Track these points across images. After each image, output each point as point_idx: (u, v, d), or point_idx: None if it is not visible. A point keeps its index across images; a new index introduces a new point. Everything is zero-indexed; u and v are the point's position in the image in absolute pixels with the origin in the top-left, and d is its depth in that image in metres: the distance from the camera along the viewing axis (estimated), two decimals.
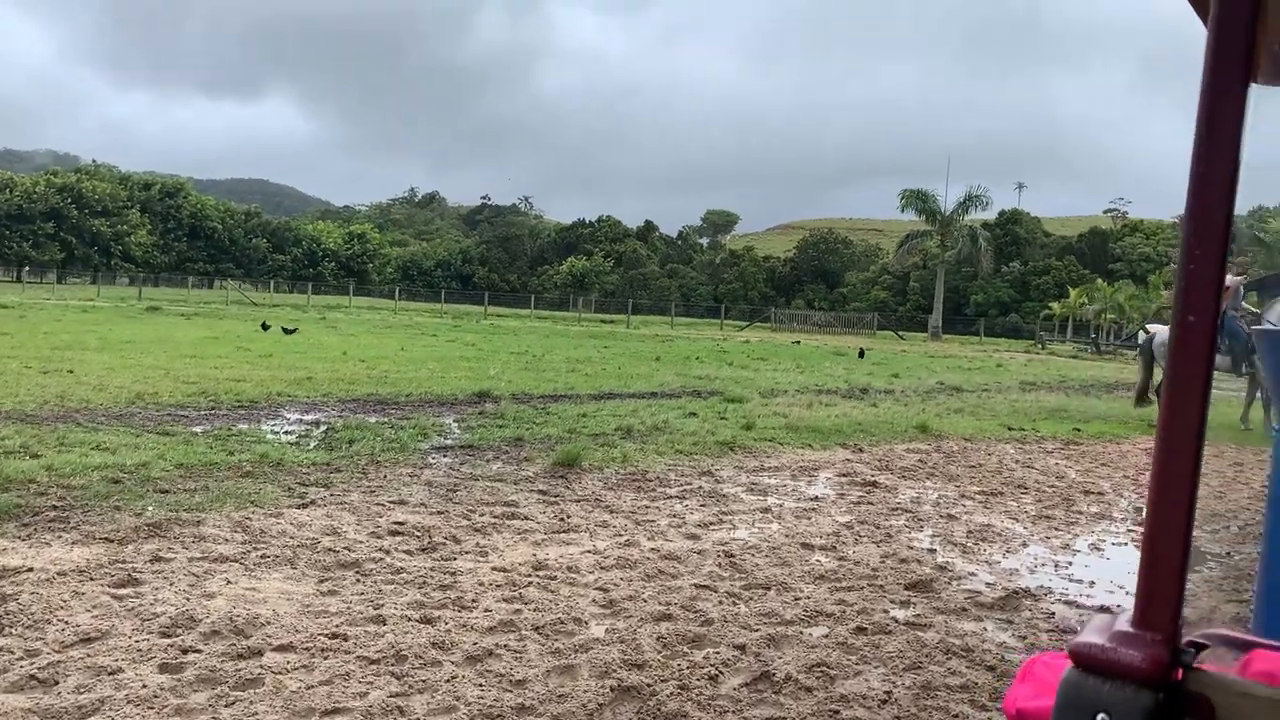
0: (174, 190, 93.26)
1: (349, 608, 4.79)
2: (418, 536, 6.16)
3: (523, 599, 5.10)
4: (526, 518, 6.87)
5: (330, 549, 5.76)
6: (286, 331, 27.31)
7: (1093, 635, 1.00)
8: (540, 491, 7.76)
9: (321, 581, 5.20)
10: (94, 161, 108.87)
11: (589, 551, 6.14)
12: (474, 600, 5.02)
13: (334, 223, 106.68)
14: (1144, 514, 0.99)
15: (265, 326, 28.69)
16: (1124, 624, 0.99)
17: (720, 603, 5.31)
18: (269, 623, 4.52)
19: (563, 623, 4.76)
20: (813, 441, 11.29)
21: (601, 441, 10.15)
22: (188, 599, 4.77)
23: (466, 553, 5.93)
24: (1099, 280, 68.47)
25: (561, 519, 6.90)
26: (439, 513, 6.82)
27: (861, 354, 32.36)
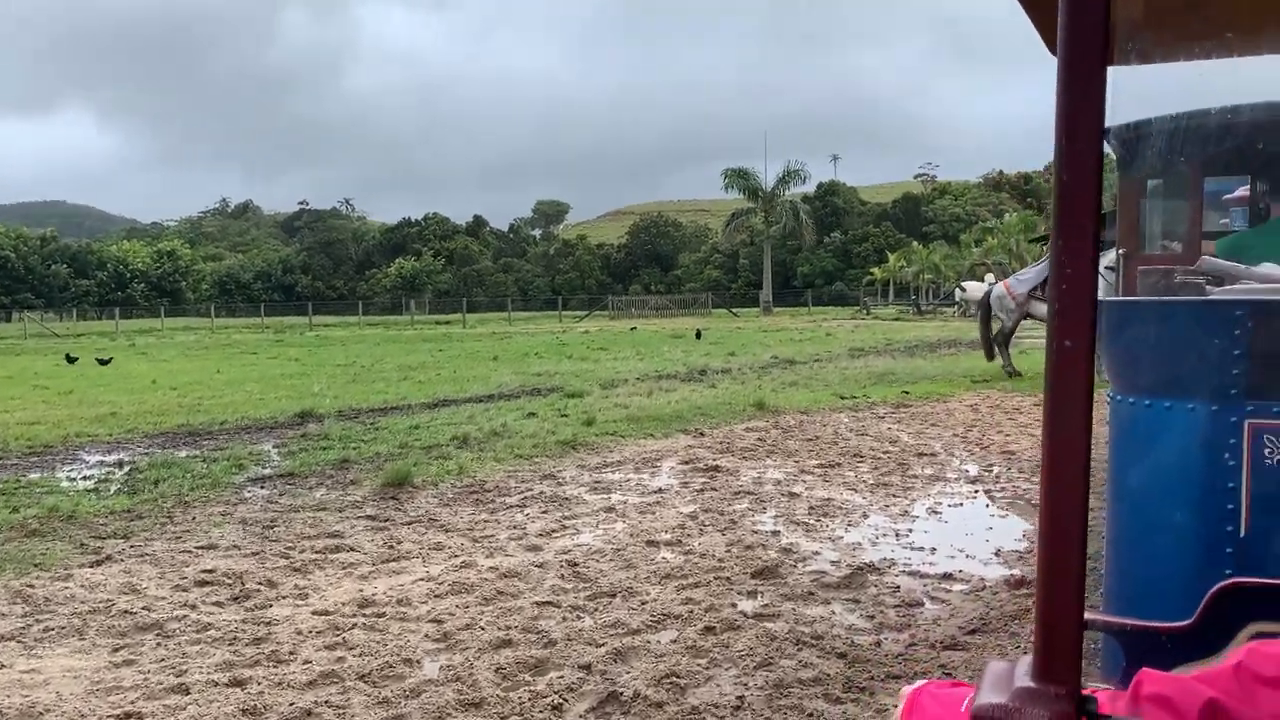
0: None
1: (146, 679, 4.27)
2: (228, 584, 5.62)
3: (347, 644, 4.68)
4: (352, 549, 6.41)
5: (127, 611, 5.17)
6: (101, 362, 25.32)
7: (993, 694, 0.93)
8: (368, 517, 7.28)
9: (115, 651, 4.64)
10: None
11: (422, 579, 5.75)
12: (291, 652, 4.57)
13: (141, 241, 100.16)
14: (1036, 557, 0.93)
15: (71, 359, 26.55)
16: (1024, 677, 0.92)
17: (564, 619, 5.03)
18: (48, 710, 3.97)
19: (391, 666, 4.38)
20: (654, 430, 11.15)
21: (436, 454, 9.70)
22: None
23: (284, 597, 5.44)
24: (914, 243, 71.61)
25: (391, 546, 6.47)
26: (254, 554, 6.27)
27: (699, 335, 32.69)
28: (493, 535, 6.73)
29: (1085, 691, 0.93)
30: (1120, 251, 6.05)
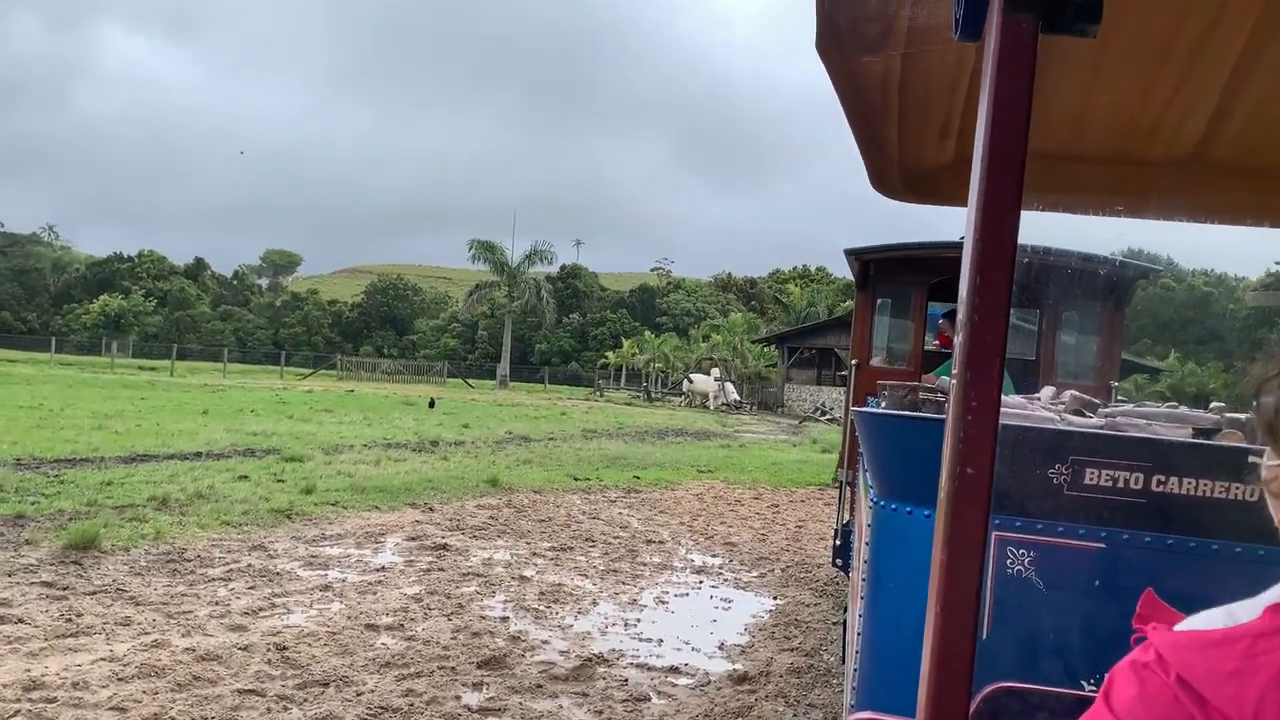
0: None
1: None
2: None
3: None
4: (20, 620, 5.58)
5: None
6: None
7: None
8: (44, 584, 6.40)
9: None
10: None
11: (104, 659, 5.07)
12: None
13: None
14: (922, 680, 0.95)
15: None
16: None
17: (269, 710, 4.57)
18: None
19: None
20: (380, 503, 10.64)
21: (129, 515, 8.73)
22: None
23: None
24: (647, 332, 74.20)
25: (69, 619, 5.68)
26: None
27: (432, 404, 31.94)
28: (191, 611, 6.08)
29: None
30: (853, 361, 6.49)
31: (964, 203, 2.17)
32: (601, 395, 57.31)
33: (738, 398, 47.98)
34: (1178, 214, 2.09)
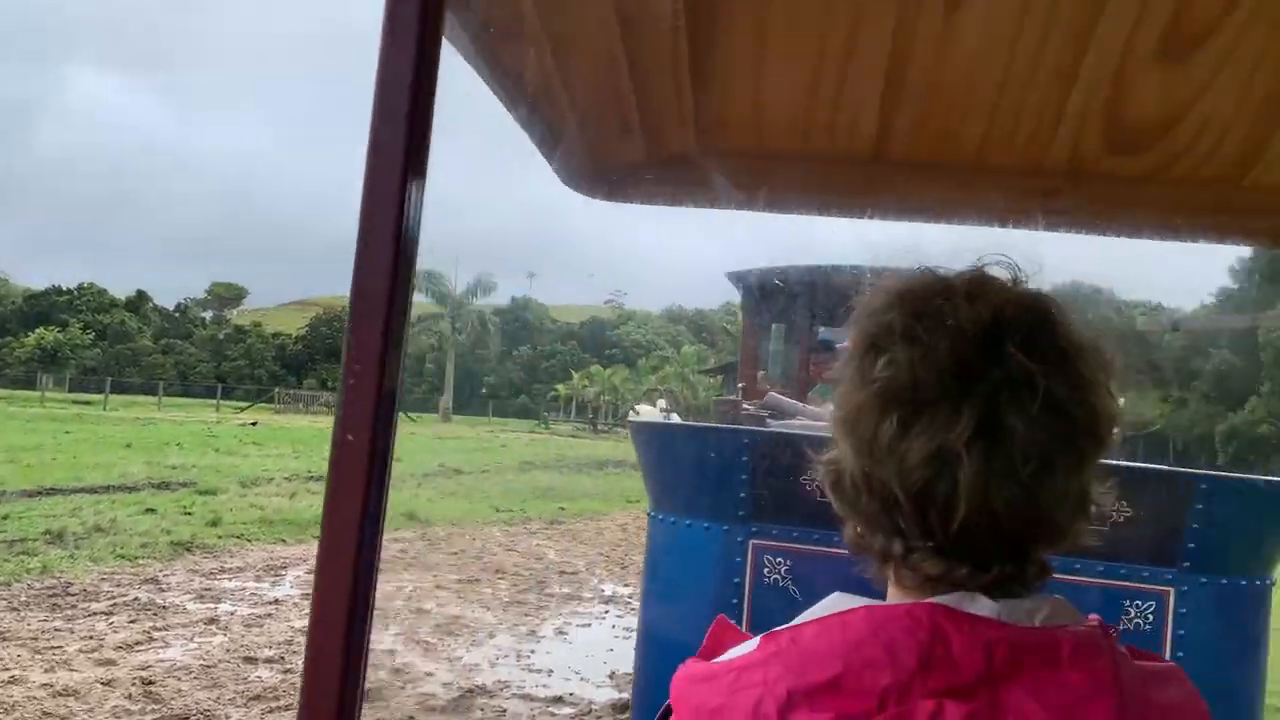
0: None
1: None
2: None
3: None
4: None
5: None
6: None
7: None
8: None
9: None
10: None
11: None
12: None
13: None
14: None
15: None
16: None
17: None
18: None
19: None
20: (288, 535, 10.41)
21: (19, 549, 8.44)
22: None
23: None
24: (596, 365, 74.07)
25: None
26: None
27: None
28: (60, 646, 5.87)
29: None
30: (740, 385, 6.48)
31: (663, 200, 2.15)
32: (547, 427, 57.07)
33: None
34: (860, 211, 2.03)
